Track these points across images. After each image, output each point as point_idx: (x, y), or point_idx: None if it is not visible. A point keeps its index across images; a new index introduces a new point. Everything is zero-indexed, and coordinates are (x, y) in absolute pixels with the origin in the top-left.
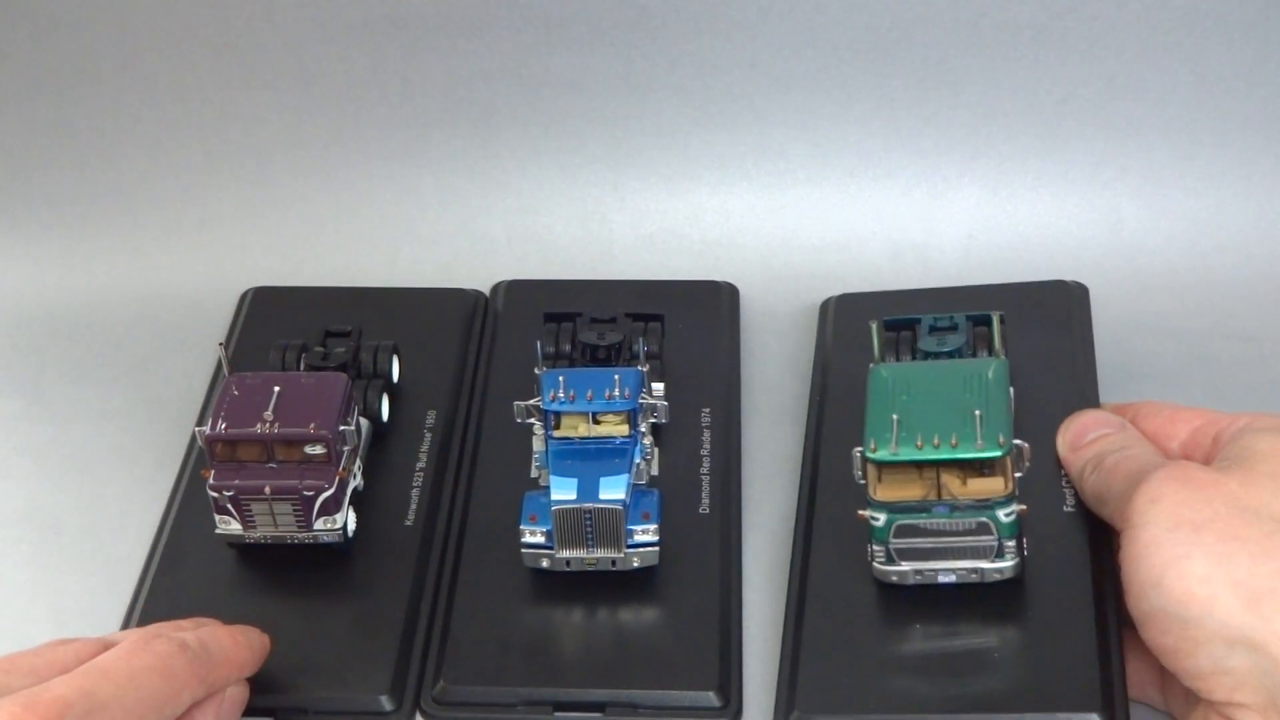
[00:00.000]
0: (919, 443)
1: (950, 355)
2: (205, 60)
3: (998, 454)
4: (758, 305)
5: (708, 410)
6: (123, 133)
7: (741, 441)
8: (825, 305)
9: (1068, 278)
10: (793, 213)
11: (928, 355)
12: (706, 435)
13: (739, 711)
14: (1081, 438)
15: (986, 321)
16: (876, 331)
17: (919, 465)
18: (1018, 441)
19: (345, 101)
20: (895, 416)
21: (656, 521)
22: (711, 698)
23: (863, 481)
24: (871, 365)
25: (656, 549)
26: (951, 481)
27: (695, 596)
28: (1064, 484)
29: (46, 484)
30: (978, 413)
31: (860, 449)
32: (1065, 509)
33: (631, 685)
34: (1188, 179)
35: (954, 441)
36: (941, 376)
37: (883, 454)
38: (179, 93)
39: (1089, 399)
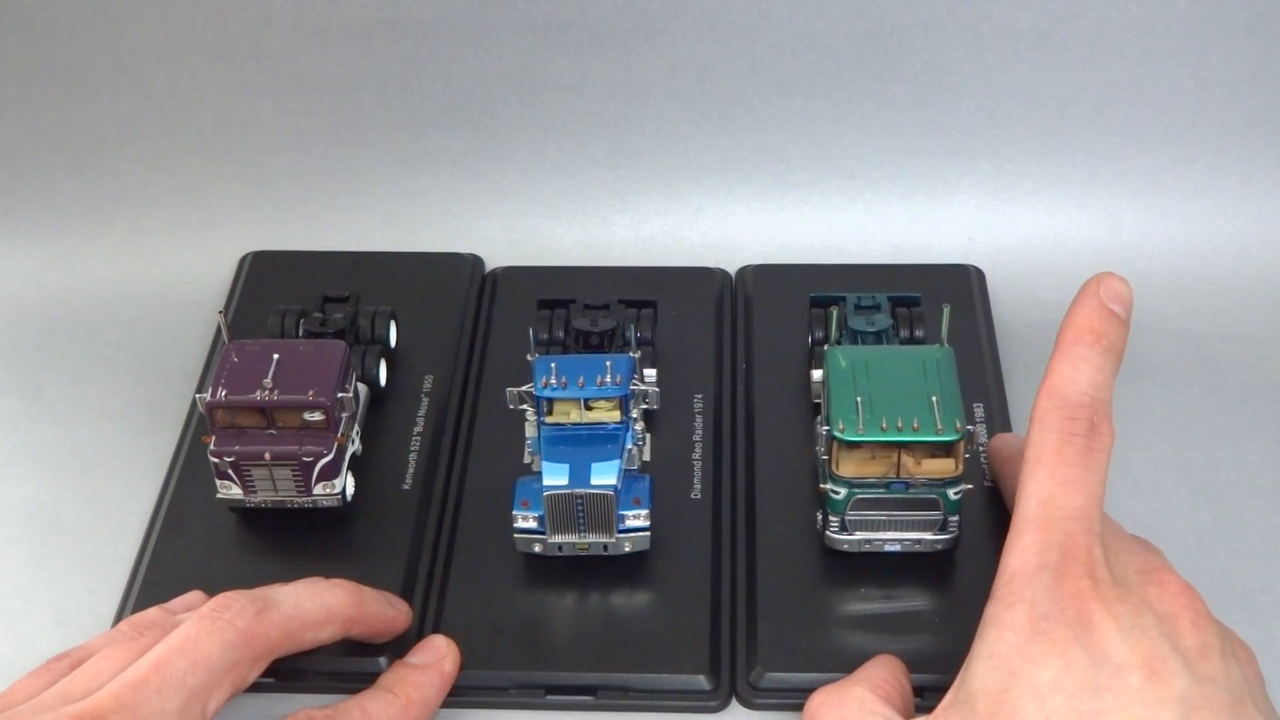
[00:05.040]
0: (883, 425)
1: (878, 335)
2: (205, 64)
3: (955, 438)
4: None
5: (700, 396)
6: (123, 135)
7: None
8: (742, 273)
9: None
10: (793, 215)
11: (856, 334)
12: (699, 421)
13: (729, 694)
14: None
15: (905, 302)
16: (835, 316)
17: (877, 444)
18: (969, 426)
19: (345, 106)
20: (859, 399)
21: (648, 506)
22: (702, 681)
23: (825, 457)
24: (827, 347)
25: (648, 534)
26: (908, 461)
27: (686, 581)
28: (982, 461)
29: (47, 483)
30: (935, 398)
31: (827, 428)
32: (987, 484)
33: (623, 669)
34: (1186, 182)
35: (916, 425)
36: (896, 362)
37: (850, 434)
38: (179, 96)
39: (995, 373)
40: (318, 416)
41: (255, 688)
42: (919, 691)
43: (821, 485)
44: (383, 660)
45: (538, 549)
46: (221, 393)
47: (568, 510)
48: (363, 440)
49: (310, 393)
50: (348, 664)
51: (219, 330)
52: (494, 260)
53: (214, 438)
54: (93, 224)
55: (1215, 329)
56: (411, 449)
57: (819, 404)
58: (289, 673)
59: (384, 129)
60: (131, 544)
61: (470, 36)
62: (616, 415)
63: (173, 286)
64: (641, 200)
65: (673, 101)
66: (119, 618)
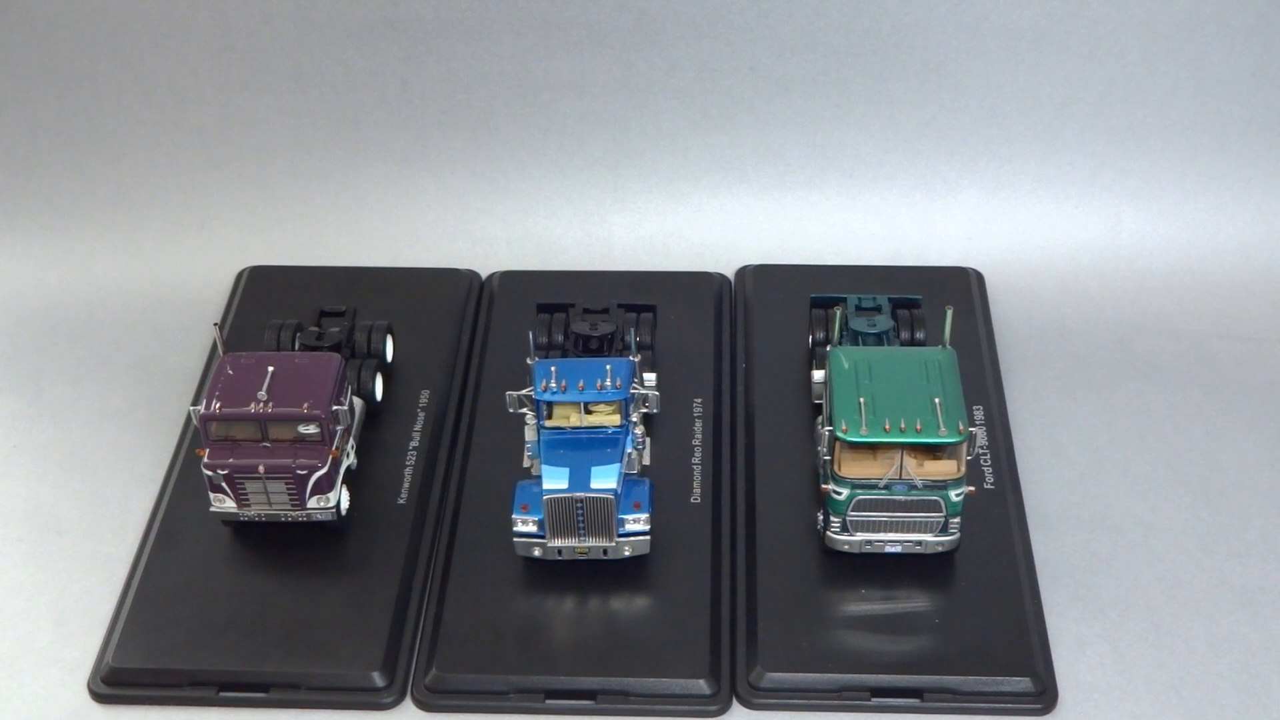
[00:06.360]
0: (886, 426)
1: (879, 337)
2: (205, 62)
3: (958, 440)
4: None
5: (699, 400)
6: (123, 134)
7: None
8: (741, 273)
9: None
10: (792, 215)
11: (857, 335)
12: (698, 425)
13: (730, 698)
14: None
15: (906, 304)
16: (839, 317)
17: (879, 445)
18: (971, 428)
19: (344, 104)
20: (862, 400)
21: (648, 511)
22: (702, 685)
23: (828, 457)
24: (830, 347)
25: (648, 538)
26: (910, 462)
27: (686, 585)
28: (984, 464)
29: (46, 483)
30: (938, 400)
31: (830, 428)
32: (986, 486)
33: (623, 673)
34: (1186, 181)
35: (919, 427)
36: (899, 363)
37: (853, 435)
38: (179, 94)
39: (994, 376)
40: (312, 429)
41: (249, 703)
42: (919, 693)
43: (823, 486)
44: (376, 675)
45: (537, 553)
46: (215, 405)
47: (567, 514)
48: (358, 455)
49: (305, 405)
50: (341, 678)
51: (215, 344)
52: (493, 258)
53: (207, 450)
54: (93, 224)
55: (1215, 329)
56: (407, 464)
57: (820, 405)
58: (281, 686)
59: (383, 128)
60: (131, 543)
61: (470, 36)
62: (616, 419)
63: (173, 286)
64: (641, 200)
65: (673, 101)
66: (117, 618)
